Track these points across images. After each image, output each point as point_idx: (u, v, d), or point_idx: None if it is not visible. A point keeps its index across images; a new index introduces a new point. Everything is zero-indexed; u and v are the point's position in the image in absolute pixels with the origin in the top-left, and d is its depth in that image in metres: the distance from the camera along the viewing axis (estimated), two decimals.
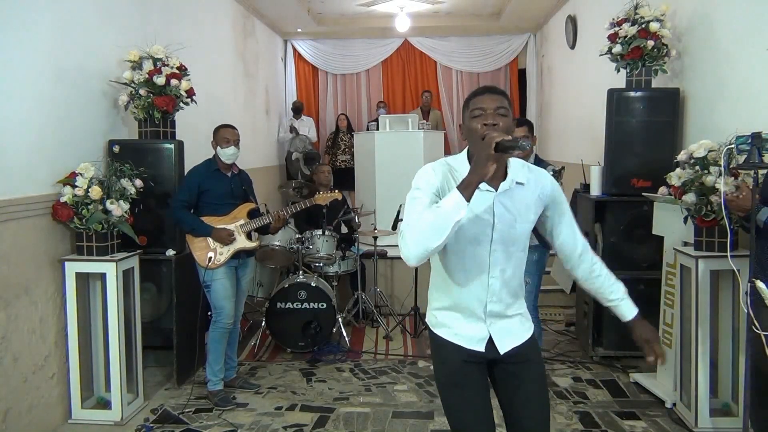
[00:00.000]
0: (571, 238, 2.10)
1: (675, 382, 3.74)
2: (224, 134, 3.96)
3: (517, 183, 1.97)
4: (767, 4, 3.46)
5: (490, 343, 2.02)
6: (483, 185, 1.87)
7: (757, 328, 2.66)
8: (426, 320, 2.19)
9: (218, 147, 3.95)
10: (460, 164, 1.99)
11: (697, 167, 3.40)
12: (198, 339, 4.33)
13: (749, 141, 2.70)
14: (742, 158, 2.80)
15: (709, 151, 3.37)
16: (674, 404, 3.71)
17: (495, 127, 1.86)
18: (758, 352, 2.67)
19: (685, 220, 3.51)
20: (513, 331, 2.06)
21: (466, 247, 1.96)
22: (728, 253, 2.96)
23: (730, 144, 2.99)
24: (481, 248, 1.97)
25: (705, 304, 3.43)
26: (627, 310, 2.20)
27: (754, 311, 2.69)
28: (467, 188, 1.76)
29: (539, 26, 9.65)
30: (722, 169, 3.01)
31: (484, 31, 10.05)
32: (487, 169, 1.76)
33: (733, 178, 3.13)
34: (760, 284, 2.60)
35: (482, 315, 2.02)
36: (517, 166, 1.99)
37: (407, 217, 1.89)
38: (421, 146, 6.65)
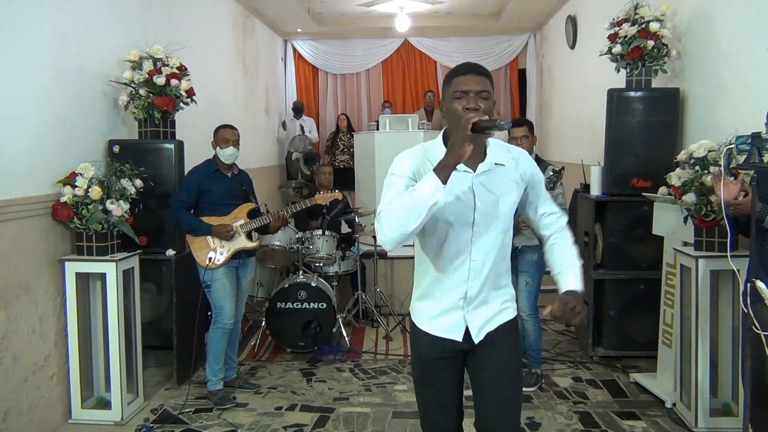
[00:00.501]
0: (550, 213, 2.10)
1: (675, 382, 3.74)
2: (223, 134, 3.96)
3: (496, 164, 1.95)
4: (767, 3, 3.46)
5: (467, 332, 2.02)
6: (461, 166, 1.86)
7: (757, 328, 2.66)
8: (409, 309, 2.20)
9: (217, 147, 3.95)
10: (436, 147, 1.98)
11: (697, 167, 3.40)
12: (198, 339, 4.33)
13: (749, 141, 2.69)
14: (742, 158, 2.79)
15: (709, 151, 3.37)
16: (674, 404, 3.71)
17: (476, 112, 1.82)
18: (758, 352, 2.67)
19: (685, 220, 3.51)
20: (490, 319, 2.04)
21: (448, 229, 1.95)
22: (728, 253, 2.96)
23: (730, 144, 2.98)
24: (462, 230, 1.95)
25: (705, 304, 3.43)
26: (563, 282, 2.03)
27: (753, 311, 2.68)
28: (443, 170, 1.75)
29: (539, 26, 9.66)
30: (722, 169, 3.00)
31: (484, 31, 10.06)
32: (464, 150, 1.74)
33: (733, 178, 3.12)
34: (760, 284, 2.59)
35: (461, 302, 2.00)
36: (496, 147, 1.98)
37: (383, 201, 1.88)
38: None
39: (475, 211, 1.93)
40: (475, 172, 1.92)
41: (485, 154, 1.94)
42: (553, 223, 2.10)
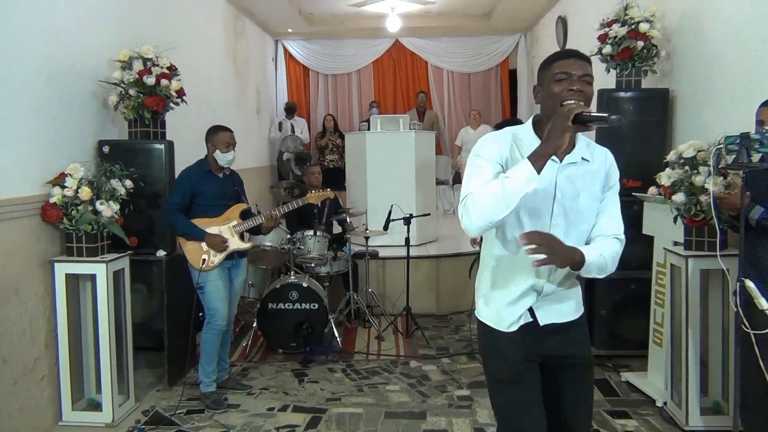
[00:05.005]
0: (610, 225, 2.02)
1: (666, 380, 3.76)
2: (225, 138, 3.93)
3: (583, 158, 1.91)
4: (755, 4, 3.48)
5: (532, 315, 1.97)
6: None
7: (746, 327, 2.68)
8: (475, 313, 2.11)
9: (217, 151, 3.92)
10: (525, 133, 1.92)
11: (687, 167, 3.42)
12: (189, 340, 4.31)
13: (738, 141, 2.71)
14: (731, 158, 2.82)
15: (699, 151, 3.39)
16: (665, 403, 3.73)
17: (580, 93, 1.78)
18: (748, 350, 2.69)
19: (675, 219, 3.53)
20: (559, 308, 2.00)
21: (525, 219, 1.88)
22: (717, 253, 2.98)
23: (719, 144, 3.00)
24: (540, 222, 1.89)
25: (695, 304, 3.45)
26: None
27: (743, 310, 2.70)
28: (539, 159, 1.70)
29: (530, 27, 9.69)
30: (711, 169, 3.03)
31: (475, 31, 10.08)
32: (563, 140, 1.69)
33: (722, 177, 3.15)
34: (749, 283, 2.61)
35: (533, 295, 1.95)
36: (582, 142, 1.93)
37: (469, 186, 1.82)
38: (412, 146, 6.65)
39: (554, 202, 1.88)
40: (561, 162, 1.87)
41: (573, 146, 1.89)
42: (606, 233, 2.01)
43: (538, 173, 1.70)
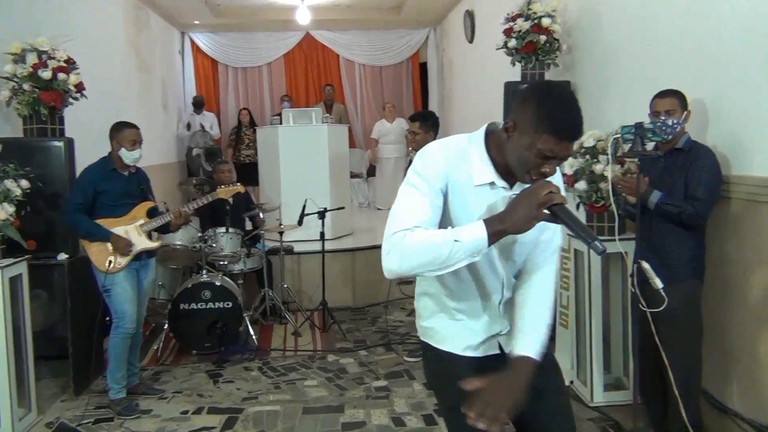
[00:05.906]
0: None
1: (572, 360, 3.92)
2: (130, 135, 3.76)
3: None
4: (648, 0, 3.68)
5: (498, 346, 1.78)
6: (499, 182, 1.62)
7: (643, 306, 2.84)
8: (419, 335, 1.89)
9: (122, 149, 3.74)
10: (475, 155, 1.63)
11: (587, 156, 3.58)
12: (96, 346, 4.13)
13: (633, 130, 2.87)
14: (627, 147, 2.97)
15: (598, 141, 3.55)
16: (572, 381, 3.89)
17: (549, 175, 1.54)
18: (644, 328, 2.86)
19: (578, 206, 3.69)
20: None
21: (473, 263, 1.62)
22: (616, 237, 3.14)
23: (616, 134, 3.16)
24: (493, 264, 1.71)
25: (597, 286, 3.62)
26: (515, 344, 1.68)
27: (640, 290, 2.87)
28: (495, 236, 1.48)
29: (439, 20, 9.84)
30: (609, 157, 3.18)
31: (385, 24, 10.15)
32: (529, 226, 1.48)
33: (619, 165, 3.31)
34: (645, 265, 2.77)
35: (497, 330, 1.77)
36: None
37: (401, 212, 1.57)
38: (325, 140, 6.63)
39: (513, 240, 1.66)
40: (512, 189, 1.63)
41: None
42: (545, 246, 1.76)
43: (489, 246, 1.49)
